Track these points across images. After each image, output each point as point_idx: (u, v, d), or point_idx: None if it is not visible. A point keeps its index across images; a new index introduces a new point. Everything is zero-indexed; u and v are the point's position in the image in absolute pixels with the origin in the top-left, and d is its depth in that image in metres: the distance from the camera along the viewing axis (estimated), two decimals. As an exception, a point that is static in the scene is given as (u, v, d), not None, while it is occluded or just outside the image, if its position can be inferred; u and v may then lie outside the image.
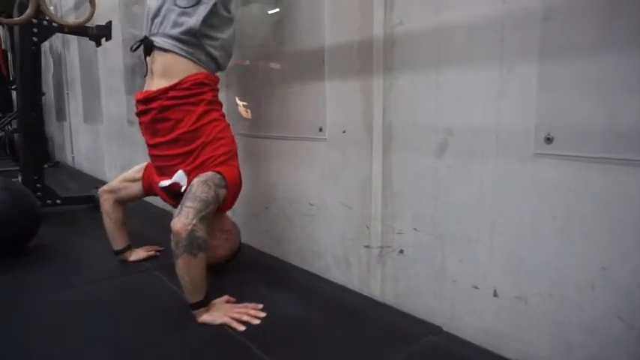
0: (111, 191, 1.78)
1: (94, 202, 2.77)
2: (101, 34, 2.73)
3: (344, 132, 1.50)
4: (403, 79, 1.29)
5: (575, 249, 0.97)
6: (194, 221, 1.28)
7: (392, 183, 1.36)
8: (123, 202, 1.81)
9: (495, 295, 1.13)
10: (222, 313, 1.32)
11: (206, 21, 1.46)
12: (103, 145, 3.95)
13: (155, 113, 1.49)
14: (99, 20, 2.62)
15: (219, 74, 1.59)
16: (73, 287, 1.59)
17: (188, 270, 1.28)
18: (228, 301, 1.41)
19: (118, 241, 1.84)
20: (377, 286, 1.45)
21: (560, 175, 0.98)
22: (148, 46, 1.52)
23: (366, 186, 1.44)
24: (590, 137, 0.93)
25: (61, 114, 5.47)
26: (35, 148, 2.69)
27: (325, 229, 1.62)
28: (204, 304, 1.32)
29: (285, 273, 1.72)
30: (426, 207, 1.27)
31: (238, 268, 1.73)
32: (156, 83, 1.50)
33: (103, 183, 2.06)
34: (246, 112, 1.99)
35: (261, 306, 1.38)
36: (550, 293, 1.02)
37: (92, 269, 1.79)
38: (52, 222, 2.50)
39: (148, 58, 1.55)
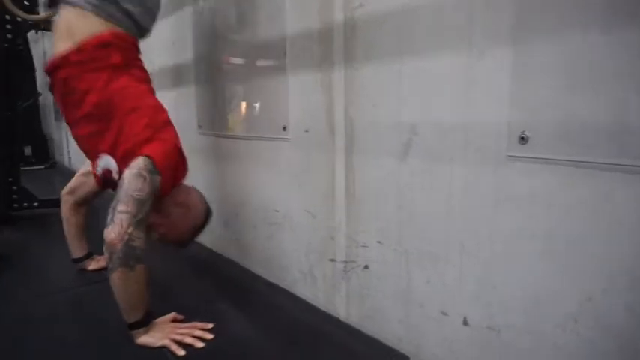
0: (70, 192, 1.65)
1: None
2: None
3: (306, 131, 1.34)
4: (365, 69, 1.12)
5: (556, 275, 0.79)
6: (130, 229, 1.11)
7: (355, 189, 1.19)
8: (84, 204, 1.67)
9: (465, 323, 0.95)
10: (164, 334, 1.17)
11: None
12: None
13: (61, 85, 1.31)
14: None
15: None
16: (15, 301, 1.46)
17: (124, 286, 1.12)
18: (175, 319, 1.26)
19: (76, 248, 1.71)
20: (342, 305, 1.28)
21: (538, 183, 0.80)
22: None
23: (329, 192, 1.28)
24: (574, 137, 0.75)
25: (59, 114, 5.42)
26: (10, 149, 2.58)
27: (291, 240, 1.46)
28: (144, 323, 1.17)
29: (251, 286, 1.56)
30: (390, 217, 1.10)
31: (202, 279, 1.59)
32: (59, 47, 1.29)
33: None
34: (236, 113, 1.84)
35: (210, 325, 1.23)
36: (526, 327, 0.84)
37: (46, 280, 1.66)
38: (24, 226, 2.39)
39: (56, 17, 1.36)
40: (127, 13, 1.33)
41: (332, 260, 1.30)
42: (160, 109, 1.37)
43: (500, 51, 0.83)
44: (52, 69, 1.32)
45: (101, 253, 1.74)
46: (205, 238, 2.02)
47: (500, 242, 0.87)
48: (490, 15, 0.85)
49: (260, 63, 1.51)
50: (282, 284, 1.52)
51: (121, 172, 1.26)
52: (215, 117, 1.82)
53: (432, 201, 1.00)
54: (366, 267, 1.18)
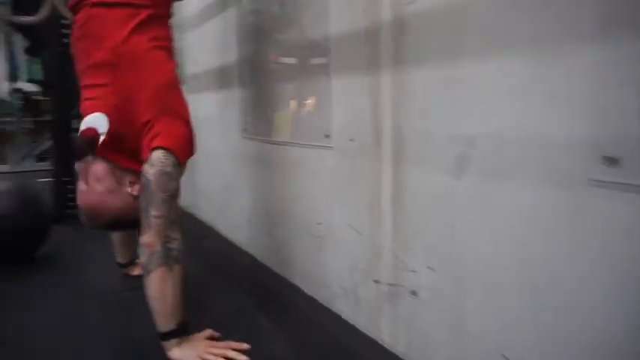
0: None
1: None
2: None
3: (351, 140, 1.24)
4: (416, 73, 1.00)
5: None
6: (167, 231, 1.13)
7: (403, 206, 1.08)
8: None
9: (530, 370, 0.82)
10: (197, 352, 1.12)
11: None
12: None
13: (79, 25, 1.26)
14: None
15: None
16: (59, 305, 1.47)
17: (162, 287, 1.11)
18: (211, 337, 1.21)
19: (121, 254, 1.72)
20: (387, 330, 1.17)
21: (628, 214, 0.65)
22: None
23: (375, 207, 1.17)
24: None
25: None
26: (66, 148, 2.67)
27: (333, 255, 1.37)
28: (177, 334, 1.13)
29: (290, 299, 1.49)
30: (442, 240, 0.97)
31: (241, 288, 1.54)
32: None
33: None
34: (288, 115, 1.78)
35: (245, 346, 1.17)
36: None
37: (90, 283, 1.67)
38: (77, 225, 2.46)
39: None
40: None
41: (376, 282, 1.19)
42: (179, 82, 1.30)
43: (580, 51, 0.69)
44: (74, 8, 1.27)
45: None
46: (249, 245, 1.97)
47: (575, 288, 0.72)
48: (567, 9, 0.70)
49: (303, 65, 1.43)
50: (322, 300, 1.43)
51: (121, 132, 1.18)
52: (258, 121, 1.76)
53: (489, 225, 0.86)
54: (414, 293, 1.07)
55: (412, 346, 1.09)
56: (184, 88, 2.27)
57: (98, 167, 1.18)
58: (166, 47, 1.29)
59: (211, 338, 1.20)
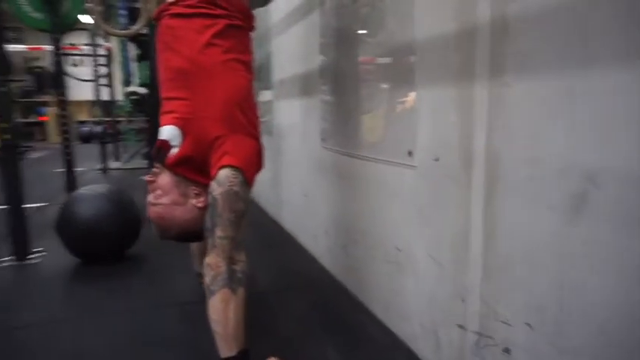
0: None
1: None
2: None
3: (436, 160, 1.07)
4: (518, 86, 0.82)
5: None
6: (232, 253, 1.09)
7: (497, 245, 0.89)
8: None
9: None
10: None
11: None
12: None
13: (161, 35, 1.23)
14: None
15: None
16: (133, 312, 1.51)
17: (224, 310, 1.05)
18: (274, 366, 1.13)
19: (199, 264, 1.72)
20: (472, 388, 1.00)
21: None
22: None
23: (461, 240, 1.00)
24: None
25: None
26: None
27: (413, 287, 1.21)
28: None
29: (364, 329, 1.36)
30: (547, 297, 0.78)
31: (313, 309, 1.45)
32: None
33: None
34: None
35: (310, 380, 1.08)
36: None
37: (166, 290, 1.70)
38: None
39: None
40: None
41: (461, 327, 1.02)
42: (252, 92, 1.25)
43: None
44: (158, 15, 1.26)
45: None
46: (324, 257, 1.88)
47: None
48: None
49: (385, 75, 1.28)
50: (401, 335, 1.29)
51: (191, 145, 1.15)
52: (337, 132, 1.65)
53: (613, 284, 0.66)
54: (507, 351, 0.88)
55: (502, 414, 0.91)
56: (273, 94, 2.23)
57: (164, 180, 1.16)
58: (242, 60, 1.23)
59: (274, 367, 1.13)
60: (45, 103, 9.64)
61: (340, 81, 1.59)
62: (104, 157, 4.78)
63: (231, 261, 1.09)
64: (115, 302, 1.59)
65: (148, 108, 4.91)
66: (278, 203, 2.60)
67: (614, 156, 0.65)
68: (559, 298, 0.75)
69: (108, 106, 5.59)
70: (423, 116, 1.12)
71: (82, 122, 9.49)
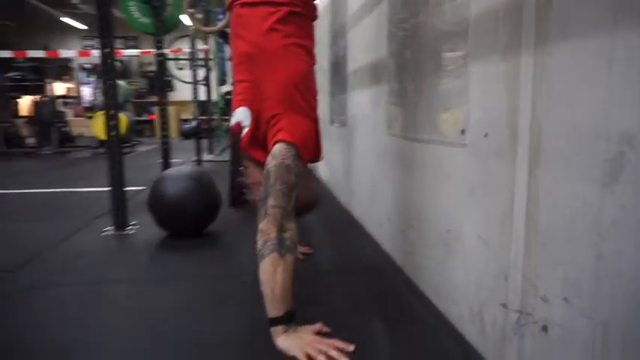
0: None
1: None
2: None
3: (485, 136, 1.06)
4: (560, 53, 0.79)
5: None
6: (283, 221, 1.16)
7: (539, 217, 0.87)
8: None
9: None
10: (301, 344, 1.12)
11: None
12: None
13: (232, 24, 1.34)
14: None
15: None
16: (203, 278, 1.66)
17: (273, 273, 1.13)
18: (319, 331, 1.19)
19: None
20: (512, 368, 0.97)
21: None
22: None
23: (506, 216, 0.98)
24: None
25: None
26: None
27: (462, 269, 1.20)
28: (283, 321, 1.14)
29: (415, 310, 1.37)
30: (583, 268, 0.75)
31: (366, 287, 1.49)
32: None
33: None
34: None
35: (350, 348, 1.13)
36: None
37: (235, 262, 1.84)
38: (245, 209, 2.75)
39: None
40: None
41: (504, 306, 0.99)
42: (311, 76, 1.33)
43: None
44: (229, 5, 1.37)
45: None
46: (386, 243, 1.90)
47: None
48: None
49: (442, 56, 1.28)
50: (450, 318, 1.27)
51: (254, 132, 1.26)
52: (399, 117, 1.67)
53: (651, 256, 0.62)
54: (544, 329, 0.85)
55: (539, 395, 0.88)
56: (348, 85, 2.30)
57: (255, 176, 1.32)
58: (303, 45, 1.30)
59: (319, 333, 1.18)
60: (155, 103, 10.70)
61: (403, 67, 1.61)
62: (199, 151, 5.21)
63: (281, 229, 1.15)
64: (189, 269, 1.76)
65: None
66: (349, 193, 2.66)
67: (651, 116, 0.62)
68: (595, 269, 0.72)
69: (205, 105, 6.07)
70: (474, 93, 1.11)
71: (185, 120, 10.37)
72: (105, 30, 2.20)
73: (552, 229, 0.83)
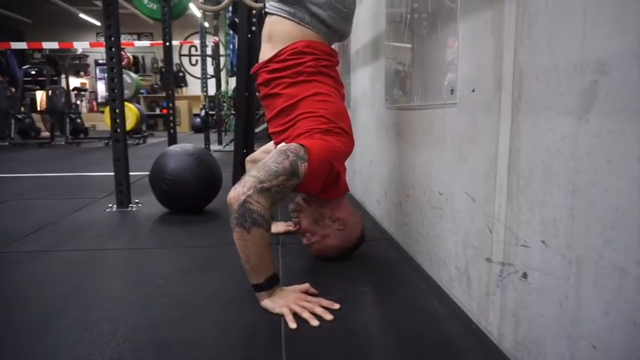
0: (252, 161, 1.79)
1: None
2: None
3: (473, 91, 1.04)
4: (540, -10, 0.78)
5: None
6: (250, 191, 1.10)
7: (519, 165, 0.85)
8: None
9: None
10: (286, 301, 1.12)
11: None
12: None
13: (263, 86, 1.45)
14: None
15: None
16: (199, 248, 1.67)
17: (242, 247, 1.12)
18: (306, 291, 1.19)
19: None
20: (495, 322, 0.96)
21: None
22: (261, 13, 1.49)
23: (490, 169, 0.96)
24: None
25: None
26: (245, 125, 3.02)
27: (451, 229, 1.19)
28: (264, 287, 1.14)
29: (405, 277, 1.36)
30: (560, 206, 0.73)
31: (362, 263, 1.48)
32: (264, 51, 1.43)
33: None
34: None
35: (336, 306, 1.13)
36: None
37: (226, 234, 1.84)
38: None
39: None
40: (318, 18, 1.38)
41: (488, 260, 0.98)
42: (340, 114, 1.40)
43: None
44: (256, 71, 1.47)
45: (283, 220, 1.85)
46: (383, 219, 1.89)
47: None
48: None
49: (433, 20, 1.27)
50: (440, 282, 1.26)
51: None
52: (394, 87, 1.66)
53: (624, 183, 0.60)
54: (524, 276, 0.84)
55: (519, 345, 0.86)
56: (351, 66, 2.29)
57: (305, 223, 1.44)
58: (329, 84, 1.44)
59: (307, 293, 1.18)
60: (165, 97, 10.82)
61: (398, 39, 1.60)
62: (207, 141, 5.25)
63: (246, 199, 1.09)
64: (186, 241, 1.77)
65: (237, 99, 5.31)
66: (351, 173, 2.64)
67: (625, 38, 0.60)
68: (570, 205, 0.70)
69: (214, 99, 6.12)
70: (463, 48, 1.09)
71: (197, 115, 10.47)
72: (110, 19, 2.21)
73: (532, 174, 0.81)
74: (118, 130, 2.28)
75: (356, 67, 2.46)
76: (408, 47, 1.49)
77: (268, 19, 1.42)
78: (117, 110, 2.28)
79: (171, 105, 3.74)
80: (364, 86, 2.24)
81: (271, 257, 1.15)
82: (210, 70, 6.16)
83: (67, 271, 1.43)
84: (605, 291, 0.64)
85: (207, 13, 2.69)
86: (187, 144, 2.30)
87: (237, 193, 1.11)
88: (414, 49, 1.43)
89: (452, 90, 1.15)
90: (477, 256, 1.03)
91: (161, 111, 11.04)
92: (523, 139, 0.84)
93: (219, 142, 5.93)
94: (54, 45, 5.82)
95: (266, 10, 1.42)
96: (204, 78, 5.81)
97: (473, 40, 1.04)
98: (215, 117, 6.16)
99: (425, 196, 1.38)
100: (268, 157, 1.19)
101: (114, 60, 2.25)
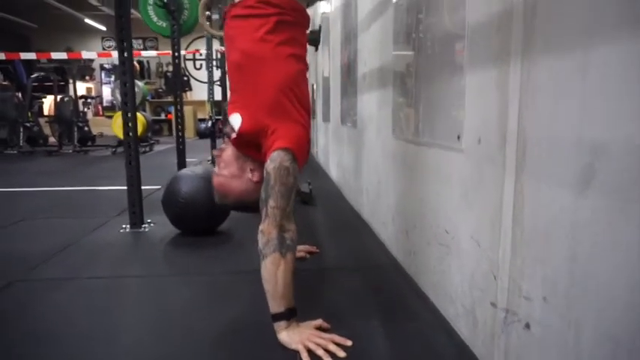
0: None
1: (300, 196, 2.99)
2: (315, 38, 2.89)
3: (479, 141, 1.10)
4: (543, 62, 0.83)
5: None
6: (282, 222, 1.22)
7: (523, 220, 0.91)
8: None
9: None
10: (301, 337, 1.18)
11: None
12: (330, 143, 4.24)
13: (225, 35, 1.40)
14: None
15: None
16: (214, 275, 1.73)
17: (275, 271, 1.20)
18: (320, 327, 1.25)
19: None
20: (500, 365, 1.01)
21: None
22: None
23: (496, 219, 1.02)
24: None
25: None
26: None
27: (458, 268, 1.24)
28: (285, 317, 1.21)
29: (414, 310, 1.41)
30: (559, 270, 0.79)
31: (371, 290, 1.53)
32: None
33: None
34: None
35: (348, 343, 1.18)
36: None
37: (243, 259, 1.90)
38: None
39: None
40: None
41: (493, 305, 1.04)
42: (301, 81, 1.37)
43: None
44: (224, 16, 1.43)
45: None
46: (390, 243, 1.95)
47: None
48: None
49: (441, 64, 1.32)
50: (446, 316, 1.32)
51: (244, 132, 1.30)
52: (402, 120, 1.71)
53: (617, 259, 0.66)
54: (527, 326, 0.89)
55: (523, 390, 0.92)
56: (358, 88, 2.35)
57: (227, 154, 1.38)
58: (292, 52, 1.34)
59: (320, 328, 1.24)
60: (171, 103, 10.90)
61: (405, 73, 1.66)
62: (214, 148, 5.32)
63: (281, 229, 1.21)
64: (200, 266, 1.84)
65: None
66: (358, 191, 2.71)
67: (618, 127, 0.65)
68: (570, 270, 0.76)
69: (220, 105, 6.18)
70: (469, 99, 1.15)
71: (202, 120, 10.54)
72: (123, 32, 2.26)
73: (535, 231, 0.87)
74: (130, 133, 2.33)
75: (363, 89, 2.52)
76: (416, 84, 1.54)
77: None
78: (128, 114, 2.32)
79: (179, 120, 3.80)
80: (371, 109, 2.30)
81: (294, 287, 1.23)
82: (216, 75, 6.21)
83: (89, 301, 1.50)
84: (602, 356, 0.69)
85: (215, 34, 2.74)
86: (197, 167, 2.36)
87: (274, 225, 1.21)
88: (421, 86, 1.49)
89: (458, 136, 1.21)
90: (483, 298, 1.09)
91: (166, 116, 11.13)
92: (526, 198, 0.89)
93: (226, 151, 5.99)
94: (62, 55, 5.90)
95: None
96: (210, 83, 5.86)
97: (479, 94, 1.10)
98: (221, 123, 6.22)
99: (432, 230, 1.43)
100: (272, 181, 1.21)
101: (126, 64, 2.30)
